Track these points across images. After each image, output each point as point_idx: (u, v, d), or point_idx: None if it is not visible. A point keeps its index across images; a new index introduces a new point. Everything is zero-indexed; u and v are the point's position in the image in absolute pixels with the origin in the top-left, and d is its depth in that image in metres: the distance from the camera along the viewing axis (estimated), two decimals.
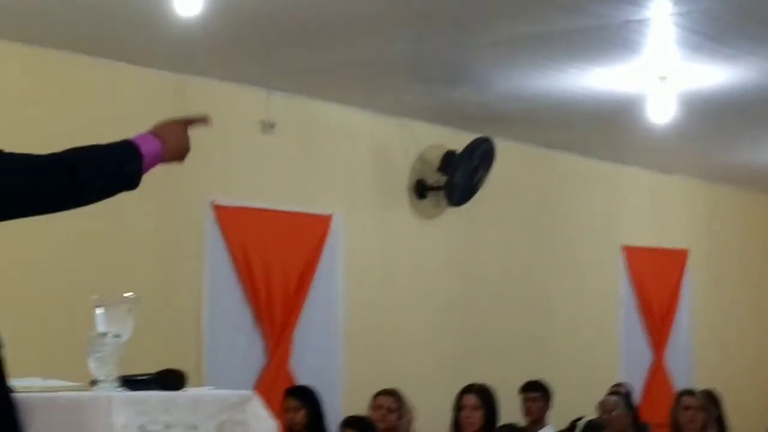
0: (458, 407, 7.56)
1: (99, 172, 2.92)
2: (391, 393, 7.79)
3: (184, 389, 3.60)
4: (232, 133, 7.94)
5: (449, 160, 9.07)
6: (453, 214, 9.40)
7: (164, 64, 7.40)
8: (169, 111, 7.42)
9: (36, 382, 3.64)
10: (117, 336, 3.43)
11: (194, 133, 7.90)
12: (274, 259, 8.08)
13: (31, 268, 6.85)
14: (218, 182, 7.87)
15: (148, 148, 3.00)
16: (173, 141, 3.09)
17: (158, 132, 3.06)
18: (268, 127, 8.15)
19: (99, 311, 3.49)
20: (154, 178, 7.89)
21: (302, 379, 8.06)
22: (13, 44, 6.79)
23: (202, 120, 3.22)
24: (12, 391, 2.86)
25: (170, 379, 3.57)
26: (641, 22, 6.53)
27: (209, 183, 7.81)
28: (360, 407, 7.89)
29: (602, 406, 8.55)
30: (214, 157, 7.78)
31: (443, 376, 9.02)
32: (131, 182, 2.97)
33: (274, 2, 6.19)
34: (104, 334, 3.42)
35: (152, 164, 3.02)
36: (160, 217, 7.52)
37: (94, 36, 6.79)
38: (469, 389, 7.56)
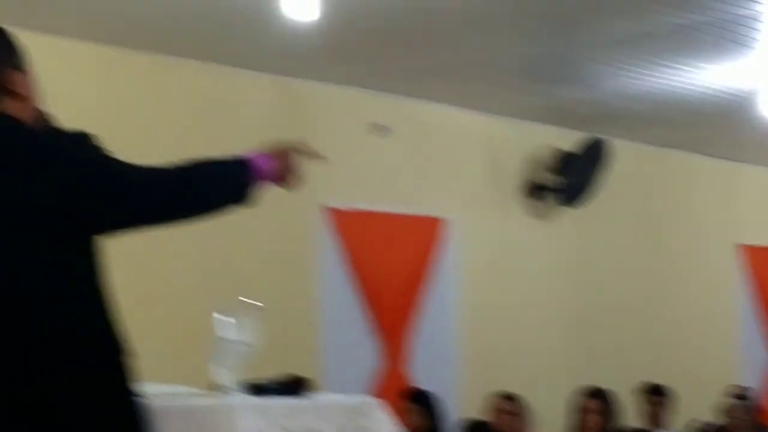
0: (579, 410, 7.49)
1: (217, 187, 2.93)
2: (509, 397, 7.74)
3: (307, 395, 3.64)
4: (344, 137, 7.98)
5: (562, 161, 9.02)
6: (566, 214, 9.32)
7: (277, 68, 7.44)
8: (281, 115, 7.64)
9: (163, 388, 3.68)
10: (243, 343, 3.45)
11: (307, 138, 7.94)
12: (388, 263, 8.09)
13: (154, 276, 6.92)
14: (331, 186, 7.86)
15: (262, 165, 2.98)
16: (284, 163, 3.05)
17: (272, 151, 3.03)
18: (380, 129, 8.16)
19: (225, 319, 3.51)
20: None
21: (418, 382, 8.03)
22: (129, 51, 6.88)
23: (317, 155, 3.17)
24: (142, 398, 2.86)
25: (294, 385, 3.59)
26: (753, 17, 6.42)
27: (322, 186, 7.79)
28: (474, 411, 7.85)
29: (729, 412, 8.37)
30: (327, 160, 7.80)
31: (557, 379, 8.94)
32: (244, 199, 2.97)
33: (387, 5, 6.19)
34: (230, 341, 3.44)
35: (264, 182, 3.01)
36: (274, 222, 7.52)
37: (208, 41, 6.87)
38: (591, 393, 7.51)
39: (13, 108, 2.83)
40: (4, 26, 2.94)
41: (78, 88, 6.53)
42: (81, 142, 2.79)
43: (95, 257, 2.83)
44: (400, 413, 7.22)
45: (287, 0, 5.70)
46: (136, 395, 2.84)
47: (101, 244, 2.84)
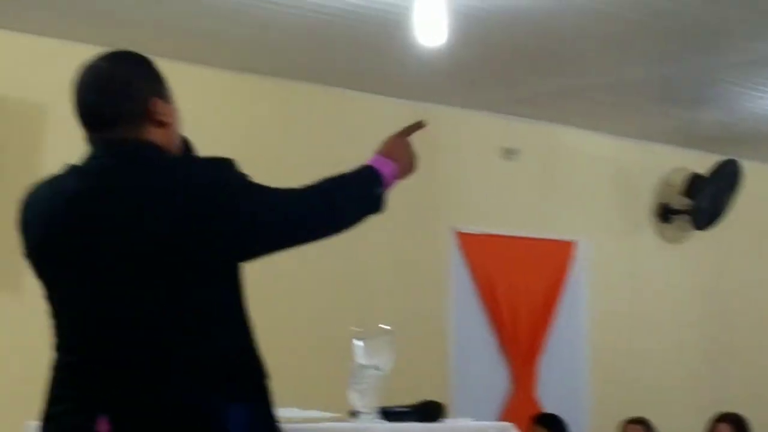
0: None
1: (352, 199, 2.99)
2: (640, 422, 7.64)
3: (441, 420, 3.62)
4: (474, 161, 7.98)
5: (694, 184, 8.88)
6: (699, 238, 9.17)
7: (406, 93, 7.46)
8: (415, 137, 7.61)
9: (296, 412, 3.69)
10: (377, 368, 3.45)
11: (438, 163, 7.94)
12: (519, 286, 8.05)
13: (286, 301, 6.97)
14: (461, 210, 7.87)
15: (385, 170, 3.06)
16: (403, 157, 3.15)
17: (387, 152, 3.12)
18: (510, 153, 8.13)
19: (359, 343, 3.52)
20: (398, 207, 7.98)
21: (548, 406, 7.96)
22: (258, 77, 6.96)
23: (418, 126, 3.26)
24: (278, 422, 2.90)
25: (429, 411, 3.58)
26: None
27: (452, 211, 7.82)
28: None
29: None
30: (456, 184, 7.83)
31: (692, 403, 8.80)
32: (379, 206, 3.03)
33: (516, 29, 6.16)
34: (365, 366, 3.44)
35: (391, 184, 3.08)
36: (405, 246, 7.57)
37: (337, 67, 6.91)
38: (723, 417, 7.37)
39: (156, 136, 2.88)
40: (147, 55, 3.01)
41: (206, 114, 6.60)
42: (224, 168, 2.82)
43: (238, 282, 2.88)
44: None
45: (417, 25, 5.73)
46: (277, 420, 2.88)
47: (242, 270, 2.88)
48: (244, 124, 6.92)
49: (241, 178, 2.82)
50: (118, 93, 2.86)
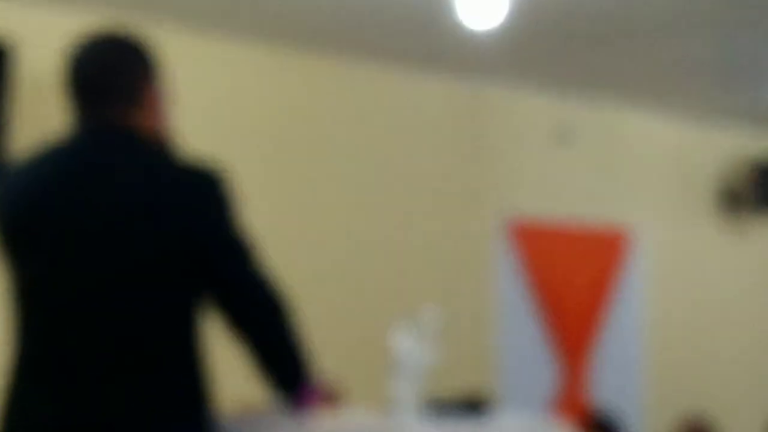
0: None
1: (295, 353, 2.98)
2: (699, 419, 7.44)
3: (487, 414, 3.58)
4: (528, 144, 7.88)
5: (760, 168, 8.73)
6: (763, 226, 8.99)
7: (458, 73, 7.38)
8: (464, 120, 7.50)
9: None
10: (421, 359, 3.43)
11: (490, 146, 7.83)
12: (570, 276, 7.93)
13: (327, 289, 6.88)
14: (513, 195, 7.81)
15: (310, 394, 3.01)
16: (327, 401, 3.16)
17: (323, 393, 3.11)
18: (565, 136, 7.98)
19: (403, 334, 3.47)
20: (446, 192, 7.87)
21: (600, 402, 7.80)
22: (305, 54, 6.88)
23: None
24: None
25: (474, 404, 3.55)
26: None
27: (503, 197, 7.75)
28: None
29: None
30: (507, 168, 7.81)
31: (750, 401, 8.75)
32: (290, 389, 2.98)
33: (571, 9, 6.08)
34: (408, 358, 3.41)
35: (305, 398, 3.01)
36: (453, 233, 7.48)
37: (390, 45, 6.85)
38: None
39: (148, 120, 2.90)
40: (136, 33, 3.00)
41: (251, 91, 6.62)
42: (215, 186, 2.83)
43: (193, 308, 2.85)
44: None
45: (472, 4, 5.66)
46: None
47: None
48: (294, 101, 6.97)
49: (225, 203, 2.84)
50: (111, 72, 2.90)
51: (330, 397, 3.17)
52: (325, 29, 6.52)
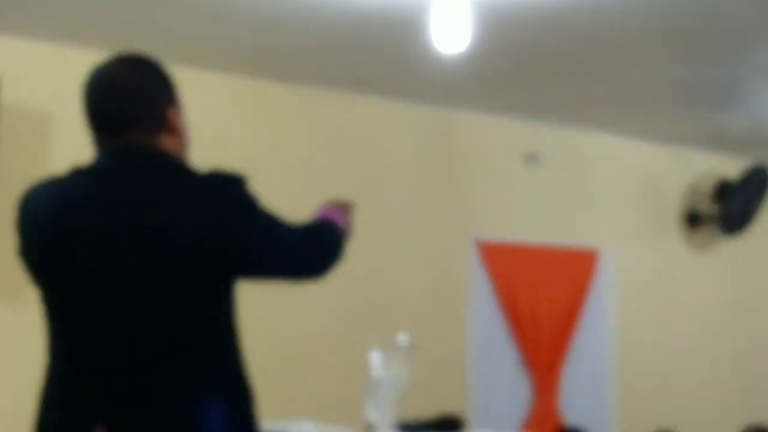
0: None
1: (334, 248, 3.07)
2: (759, 425, 7.53)
3: None
4: (496, 167, 7.91)
5: (723, 189, 8.82)
6: (728, 245, 9.11)
7: (427, 99, 7.41)
8: (432, 146, 7.57)
9: (311, 427, 3.64)
10: (394, 380, 3.38)
11: (459, 170, 7.86)
12: (540, 297, 7.96)
13: (305, 311, 6.90)
14: (482, 218, 7.81)
15: (342, 224, 3.16)
16: (346, 214, 3.23)
17: (338, 207, 3.21)
18: (533, 159, 8.04)
19: (376, 355, 3.47)
20: (418, 215, 7.91)
21: (571, 418, 7.89)
22: (272, 83, 6.89)
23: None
24: None
25: (447, 424, 3.53)
26: None
27: (473, 219, 7.76)
28: None
29: None
30: (478, 192, 7.79)
31: (719, 416, 8.73)
32: (343, 256, 3.12)
33: (539, 33, 6.08)
34: (382, 379, 3.38)
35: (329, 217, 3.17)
36: (425, 255, 7.50)
37: (358, 73, 6.84)
38: (751, 429, 7.27)
39: (169, 143, 2.87)
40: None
41: (218, 120, 6.62)
42: (237, 186, 2.82)
43: (233, 301, 2.86)
44: None
45: (437, 31, 5.63)
46: None
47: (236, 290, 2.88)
48: (260, 131, 6.88)
49: (252, 199, 2.84)
50: (137, 98, 2.85)
51: (344, 207, 3.22)
52: (296, 58, 6.51)
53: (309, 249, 2.96)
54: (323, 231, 3.05)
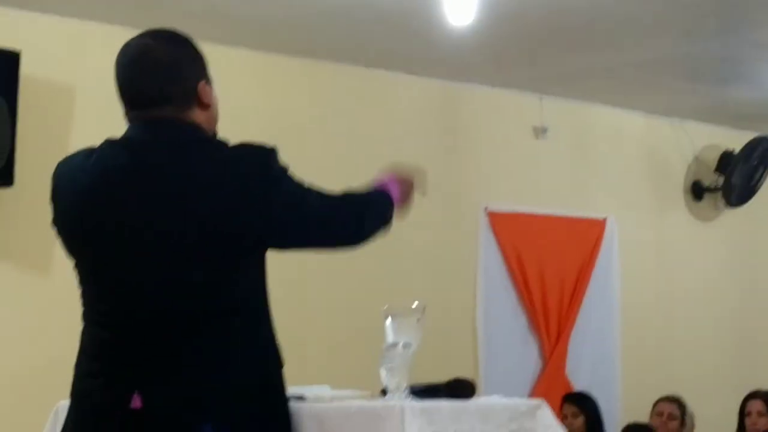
0: (743, 413, 7.34)
1: (375, 217, 3.07)
2: (673, 400, 7.62)
3: (472, 398, 3.58)
4: (504, 139, 7.96)
5: (727, 161, 8.84)
6: (731, 215, 9.15)
7: (436, 72, 7.44)
8: (441, 119, 7.64)
9: (326, 390, 3.69)
10: (407, 346, 3.44)
11: (468, 142, 7.90)
12: (549, 265, 8.02)
13: (317, 279, 6.97)
14: (491, 189, 7.86)
15: (396, 195, 3.15)
16: (407, 191, 3.24)
17: (398, 178, 3.21)
18: (540, 132, 8.10)
19: (389, 321, 3.49)
20: (428, 186, 7.90)
21: (578, 385, 7.96)
22: (286, 57, 6.95)
23: (417, 175, 3.34)
24: (288, 406, 2.99)
25: (460, 388, 3.56)
26: None
27: (483, 190, 7.81)
28: (637, 414, 7.74)
29: None
30: (487, 163, 7.83)
31: (723, 382, 8.77)
32: (389, 226, 3.13)
33: (545, 7, 6.14)
34: (395, 344, 3.43)
35: (396, 210, 3.18)
36: (435, 225, 7.54)
37: (367, 47, 6.89)
38: (754, 395, 7.36)
39: (200, 117, 2.91)
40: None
41: (235, 95, 6.59)
42: (267, 158, 2.85)
43: (264, 271, 2.92)
44: (560, 415, 7.19)
45: (447, 3, 5.70)
46: (285, 405, 2.96)
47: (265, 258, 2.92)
48: (272, 104, 6.91)
49: (283, 171, 2.86)
50: (169, 73, 2.87)
51: (404, 178, 3.22)
52: (307, 32, 6.54)
53: (344, 218, 2.96)
54: (367, 200, 3.06)
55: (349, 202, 3.01)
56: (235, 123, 6.43)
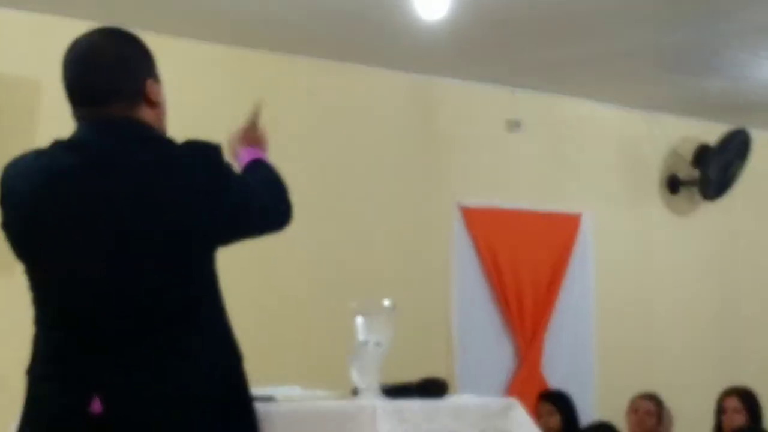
0: (720, 410, 7.31)
1: (283, 189, 3.07)
2: (650, 397, 7.59)
3: (445, 397, 3.58)
4: (477, 133, 7.93)
5: (702, 154, 8.84)
6: (707, 209, 9.15)
7: (408, 66, 7.43)
8: (414, 113, 7.61)
9: (296, 391, 3.67)
10: (378, 344, 3.41)
11: (441, 136, 7.87)
12: (523, 260, 7.99)
13: (289, 274, 6.94)
14: (465, 183, 7.85)
15: (260, 154, 3.18)
16: (263, 140, 3.27)
17: (251, 142, 3.23)
18: (514, 125, 8.06)
19: (359, 319, 3.48)
20: (401, 181, 7.91)
21: (554, 383, 7.93)
22: (256, 52, 6.92)
23: (258, 108, 3.38)
24: (253, 402, 2.94)
25: (432, 387, 3.55)
26: None
27: (455, 185, 7.80)
28: (614, 412, 7.72)
29: None
30: (460, 158, 7.82)
31: (700, 379, 8.77)
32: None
33: (517, 0, 6.10)
34: (365, 343, 3.40)
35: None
36: (407, 221, 7.54)
37: (339, 41, 6.87)
38: (731, 392, 7.32)
39: (148, 115, 2.90)
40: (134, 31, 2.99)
41: (204, 90, 6.63)
42: (213, 154, 2.85)
43: (215, 268, 2.90)
44: (535, 414, 7.15)
45: None
46: (248, 400, 2.92)
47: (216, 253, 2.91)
48: (241, 99, 6.81)
49: (228, 167, 2.88)
50: (116, 70, 2.86)
51: (256, 136, 3.25)
52: (278, 27, 6.52)
53: (276, 200, 3.00)
54: (272, 179, 3.06)
55: (265, 182, 3.03)
56: (205, 119, 6.40)
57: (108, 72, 2.85)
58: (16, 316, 5.65)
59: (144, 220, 2.74)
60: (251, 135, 3.24)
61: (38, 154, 2.88)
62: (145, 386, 2.73)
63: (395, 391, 3.43)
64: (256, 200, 2.92)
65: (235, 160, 3.15)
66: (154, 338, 2.75)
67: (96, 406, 2.70)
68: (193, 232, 2.78)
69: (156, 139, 2.88)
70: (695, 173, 8.90)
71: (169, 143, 2.87)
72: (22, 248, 2.87)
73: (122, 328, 2.75)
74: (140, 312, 2.75)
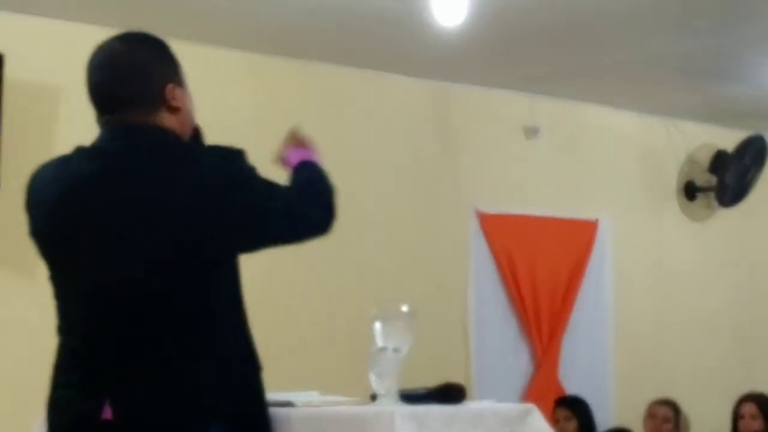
0: (737, 416, 7.31)
1: (330, 193, 3.06)
2: (667, 402, 7.60)
3: (462, 402, 3.55)
4: (495, 140, 7.93)
5: (720, 160, 8.82)
6: (724, 215, 9.11)
7: (426, 73, 7.42)
8: (432, 119, 7.61)
9: (315, 396, 3.67)
10: (396, 350, 3.40)
11: (459, 142, 7.89)
12: (540, 267, 7.98)
13: (306, 281, 6.95)
14: (482, 190, 7.83)
15: (312, 156, 3.20)
16: (310, 144, 3.28)
17: (299, 144, 3.26)
18: (531, 132, 8.06)
19: (377, 325, 3.46)
20: (419, 187, 7.91)
21: (571, 388, 7.92)
22: (277, 58, 6.93)
23: (293, 134, 3.35)
24: (268, 413, 2.95)
25: (451, 393, 3.54)
26: None
27: (473, 191, 7.79)
28: (631, 417, 7.72)
29: None
30: (477, 164, 7.81)
31: (718, 385, 8.73)
32: (333, 186, 3.13)
33: (536, 6, 6.12)
34: (384, 349, 3.40)
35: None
36: (425, 226, 7.54)
37: (357, 47, 6.87)
38: (747, 398, 7.33)
39: (170, 121, 2.88)
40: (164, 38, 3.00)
41: (222, 96, 6.61)
42: (236, 160, 2.84)
43: (239, 274, 2.89)
44: (552, 419, 7.15)
45: (437, 4, 5.68)
46: (265, 410, 2.92)
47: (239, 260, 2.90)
48: (261, 105, 6.90)
49: (251, 171, 2.85)
50: (134, 76, 2.86)
51: (303, 141, 3.27)
52: (295, 33, 6.53)
53: (312, 205, 2.95)
54: (314, 181, 3.04)
55: (306, 187, 3.01)
56: (224, 124, 6.44)
57: (124, 78, 2.86)
58: (38, 320, 5.73)
59: (162, 227, 2.74)
60: (298, 139, 3.26)
61: (60, 162, 2.91)
62: (154, 393, 2.74)
63: (413, 397, 3.41)
64: (284, 204, 2.87)
65: (284, 165, 3.14)
66: (166, 345, 2.76)
67: (107, 412, 2.72)
68: (211, 238, 2.77)
69: (175, 145, 2.87)
70: (712, 180, 8.88)
71: (189, 149, 2.88)
72: (48, 256, 2.89)
73: (135, 334, 2.76)
74: (153, 318, 2.76)
